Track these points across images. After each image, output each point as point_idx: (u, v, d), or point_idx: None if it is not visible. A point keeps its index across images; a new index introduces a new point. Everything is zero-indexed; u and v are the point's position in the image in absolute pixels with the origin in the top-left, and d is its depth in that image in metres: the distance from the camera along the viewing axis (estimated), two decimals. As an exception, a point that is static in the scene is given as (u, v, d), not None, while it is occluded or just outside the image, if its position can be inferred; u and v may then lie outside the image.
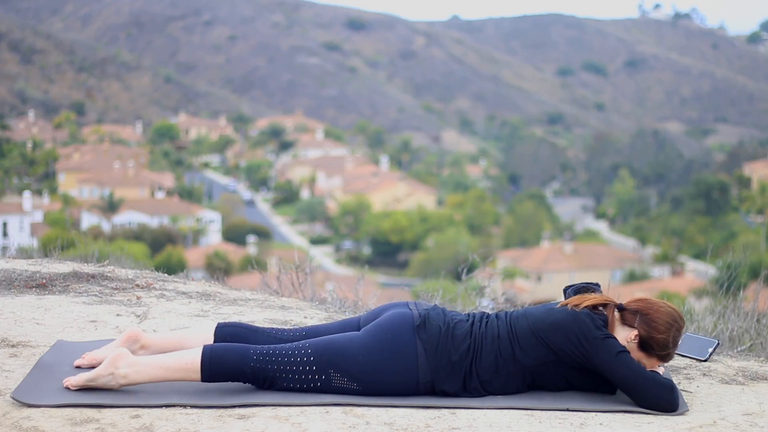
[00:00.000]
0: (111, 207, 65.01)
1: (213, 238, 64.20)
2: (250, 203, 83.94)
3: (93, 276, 5.36)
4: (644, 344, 3.52)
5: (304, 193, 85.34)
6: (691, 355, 4.15)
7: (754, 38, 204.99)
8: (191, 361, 3.36)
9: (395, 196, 76.92)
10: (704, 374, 3.94)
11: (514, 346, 3.48)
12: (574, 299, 3.57)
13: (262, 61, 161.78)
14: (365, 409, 3.31)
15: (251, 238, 60.01)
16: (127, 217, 63.36)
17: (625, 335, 3.53)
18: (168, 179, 79.33)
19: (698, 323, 5.67)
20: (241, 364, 3.37)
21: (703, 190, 75.02)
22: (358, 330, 3.61)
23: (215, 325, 3.67)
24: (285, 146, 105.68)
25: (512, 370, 3.47)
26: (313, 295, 6.11)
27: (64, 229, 36.28)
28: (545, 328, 3.48)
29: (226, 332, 3.62)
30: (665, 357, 3.55)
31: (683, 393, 3.61)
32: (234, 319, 4.58)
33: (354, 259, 64.66)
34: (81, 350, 3.78)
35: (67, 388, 3.34)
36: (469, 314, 3.62)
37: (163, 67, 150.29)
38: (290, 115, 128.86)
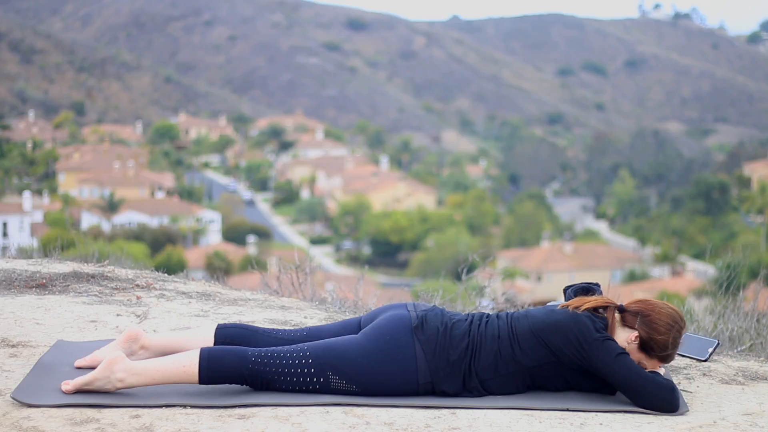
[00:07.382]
0: (111, 207, 65.01)
1: (213, 238, 64.16)
2: (250, 203, 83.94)
3: (93, 276, 5.35)
4: (645, 345, 3.52)
5: (304, 193, 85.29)
6: (691, 355, 4.15)
7: (754, 38, 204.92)
8: (188, 363, 3.35)
9: (395, 196, 76.86)
10: (704, 374, 3.94)
11: (513, 347, 3.48)
12: (575, 301, 3.58)
13: (262, 61, 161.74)
14: (365, 409, 3.32)
15: (251, 238, 60.00)
16: (127, 217, 63.31)
17: (626, 336, 3.53)
18: (168, 179, 79.28)
19: (698, 323, 5.67)
20: (240, 366, 3.36)
21: (703, 190, 74.98)
22: (359, 331, 3.61)
23: (215, 326, 3.67)
24: (285, 146, 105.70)
25: (512, 370, 3.47)
26: (313, 295, 6.11)
27: (64, 229, 36.19)
28: (545, 328, 3.48)
29: (226, 333, 3.62)
30: (666, 358, 3.55)
31: (683, 393, 3.62)
32: (234, 319, 4.58)
33: (354, 259, 64.62)
34: (81, 350, 3.78)
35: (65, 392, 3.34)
36: (468, 314, 3.62)
37: (163, 67, 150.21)
38: (290, 115, 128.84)
